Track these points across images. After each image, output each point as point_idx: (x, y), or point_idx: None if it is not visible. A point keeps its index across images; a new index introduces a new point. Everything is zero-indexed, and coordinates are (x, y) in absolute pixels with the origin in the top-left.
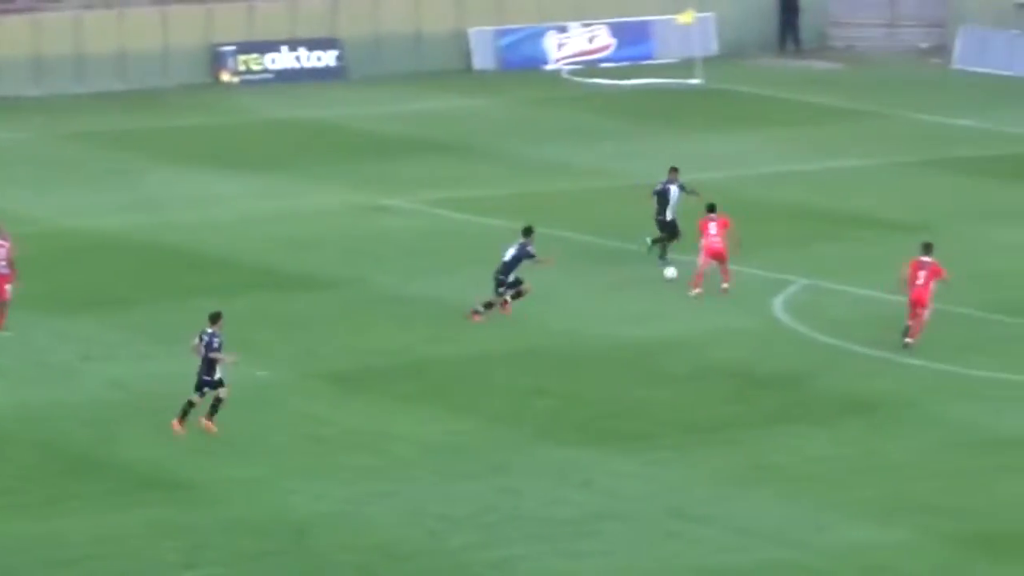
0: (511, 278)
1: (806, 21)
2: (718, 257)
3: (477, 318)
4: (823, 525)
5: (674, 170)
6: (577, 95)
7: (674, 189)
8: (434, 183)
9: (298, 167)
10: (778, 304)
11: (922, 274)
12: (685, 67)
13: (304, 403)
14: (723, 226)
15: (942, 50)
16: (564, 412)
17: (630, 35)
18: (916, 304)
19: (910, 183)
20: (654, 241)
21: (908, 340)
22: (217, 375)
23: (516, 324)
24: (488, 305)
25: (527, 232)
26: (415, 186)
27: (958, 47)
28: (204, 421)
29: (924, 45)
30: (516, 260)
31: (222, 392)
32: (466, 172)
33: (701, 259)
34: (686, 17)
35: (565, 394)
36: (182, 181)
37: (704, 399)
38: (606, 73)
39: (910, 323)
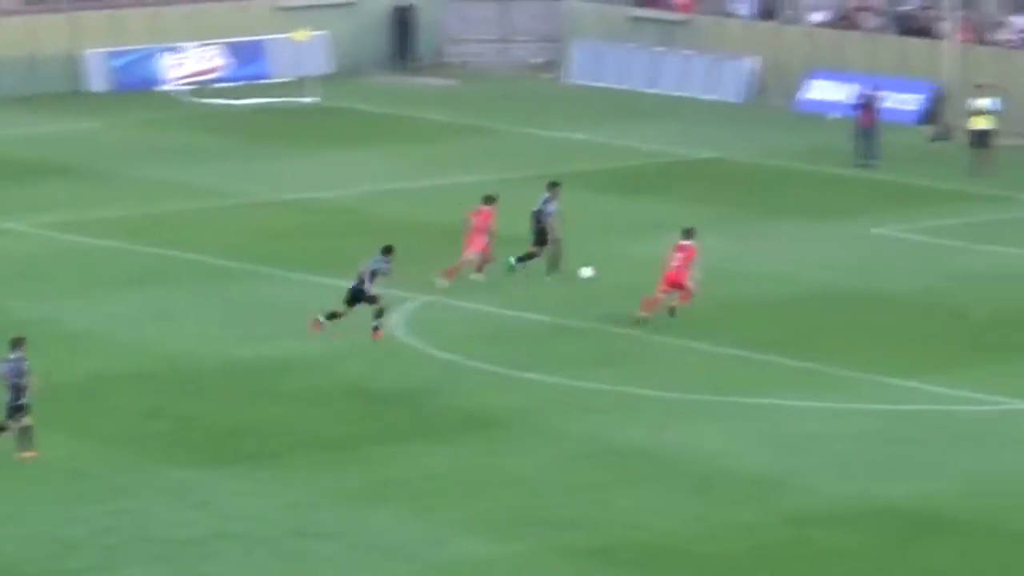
0: (368, 292)
1: (421, 38)
2: (477, 249)
3: (318, 328)
4: (442, 540)
5: (554, 185)
6: (193, 115)
7: (553, 206)
8: (50, 206)
9: None
10: (396, 321)
11: (679, 256)
12: (300, 85)
13: None
14: (486, 218)
15: (556, 65)
16: (184, 433)
17: (244, 54)
18: (670, 284)
19: (527, 198)
20: (520, 259)
21: (643, 314)
22: (23, 401)
23: (134, 346)
24: (332, 315)
25: (387, 250)
26: (31, 209)
27: (572, 62)
28: (23, 455)
29: (538, 60)
30: (371, 275)
31: (26, 420)
32: (82, 194)
33: (467, 252)
34: (301, 35)
35: (184, 415)
36: None
37: (324, 417)
38: (221, 93)
39: (658, 297)
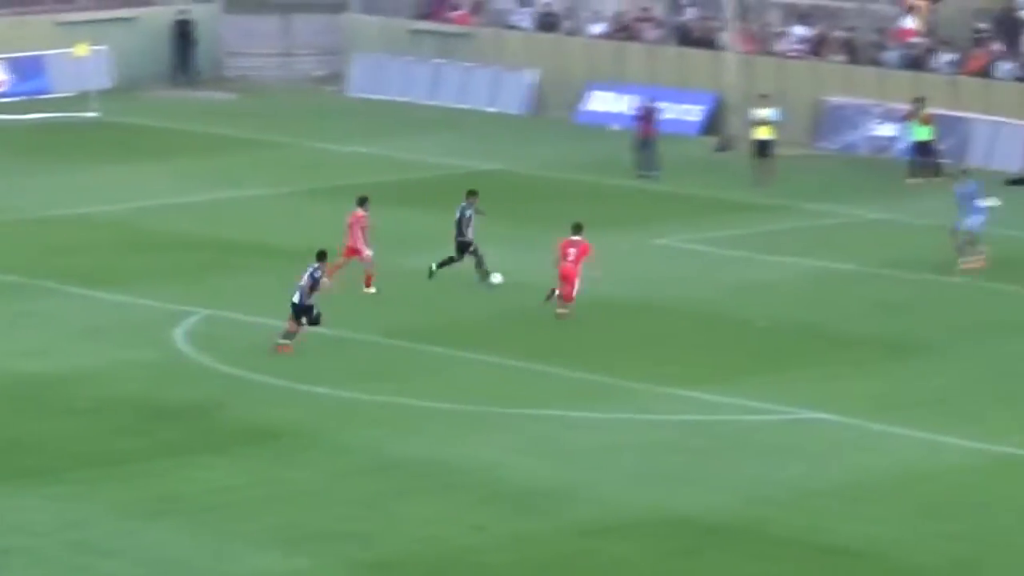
0: (306, 304)
1: (201, 52)
2: (349, 255)
3: (285, 349)
4: (230, 555)
5: (472, 194)
6: None
7: (471, 212)
8: None
9: None
10: (179, 335)
11: (572, 251)
12: (81, 100)
13: None
14: (356, 221)
15: (338, 78)
16: None
17: (25, 70)
18: (565, 279)
19: (309, 211)
20: (439, 265)
21: (561, 311)
22: None
23: None
24: (287, 335)
25: (320, 257)
26: None
27: (353, 75)
28: None
29: (319, 73)
30: (310, 286)
31: None
32: None
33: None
34: (81, 50)
35: None
36: None
37: (107, 432)
38: (1, 108)
39: (560, 293)
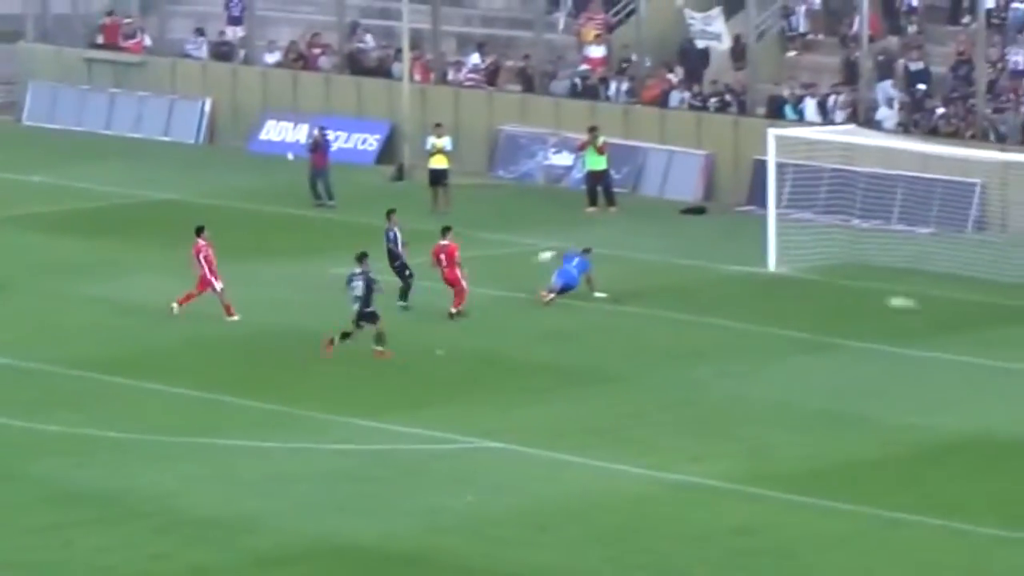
0: (369, 309)
1: None
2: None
3: (330, 349)
4: None
5: (391, 212)
6: None
7: (396, 231)
8: None
9: None
10: None
11: (442, 257)
12: None
13: None
14: (198, 251)
15: (12, 107)
16: None
17: None
18: (449, 283)
19: None
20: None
21: (453, 310)
22: None
23: None
24: (345, 335)
25: (361, 258)
26: None
27: (28, 103)
28: None
29: None
30: (368, 291)
31: None
32: None
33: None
34: None
35: None
36: None
37: None
38: None
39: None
